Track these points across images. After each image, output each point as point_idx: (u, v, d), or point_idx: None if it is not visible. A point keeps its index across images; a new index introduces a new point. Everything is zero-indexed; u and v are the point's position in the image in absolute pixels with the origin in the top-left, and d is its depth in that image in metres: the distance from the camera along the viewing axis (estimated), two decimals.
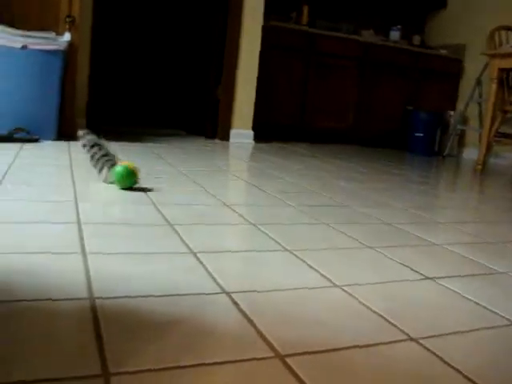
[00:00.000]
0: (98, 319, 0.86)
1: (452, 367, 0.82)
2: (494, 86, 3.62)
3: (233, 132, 4.40)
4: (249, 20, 4.23)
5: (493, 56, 3.64)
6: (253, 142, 4.44)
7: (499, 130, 3.91)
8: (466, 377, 0.80)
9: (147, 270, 1.12)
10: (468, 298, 1.14)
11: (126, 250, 1.24)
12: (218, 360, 0.77)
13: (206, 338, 0.84)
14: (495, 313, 1.08)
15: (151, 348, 0.78)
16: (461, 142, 5.21)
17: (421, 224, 1.86)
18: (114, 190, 1.91)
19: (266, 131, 4.72)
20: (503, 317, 1.06)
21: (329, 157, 3.87)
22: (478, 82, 4.72)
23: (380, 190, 2.53)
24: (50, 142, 3.08)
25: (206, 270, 1.15)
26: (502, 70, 3.59)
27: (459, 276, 1.29)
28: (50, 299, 0.92)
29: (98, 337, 0.80)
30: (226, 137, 4.40)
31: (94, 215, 1.53)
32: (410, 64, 5.17)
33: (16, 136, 2.95)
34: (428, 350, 0.88)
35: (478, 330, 0.98)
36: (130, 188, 1.94)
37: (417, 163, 4.24)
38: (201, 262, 1.20)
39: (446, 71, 5.33)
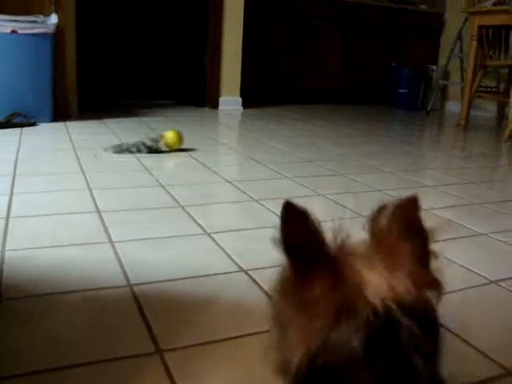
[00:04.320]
0: (140, 304, 1.00)
1: None
2: (474, 43, 3.72)
3: (221, 99, 4.48)
4: None
5: (472, 13, 3.73)
6: (241, 108, 4.53)
7: (480, 84, 4.03)
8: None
9: (171, 254, 1.26)
10: (454, 262, 1.30)
11: (148, 235, 1.38)
12: (248, 332, 0.92)
13: (234, 314, 0.99)
14: (477, 273, 1.24)
15: (191, 326, 0.93)
16: (444, 95, 5.34)
17: (410, 189, 2.02)
18: (120, 175, 2.03)
19: (254, 95, 4.80)
20: (485, 277, 1.22)
21: (316, 119, 3.99)
22: (459, 37, 4.80)
23: (368, 154, 2.67)
24: (47, 125, 3.16)
25: (223, 250, 1.30)
26: (481, 27, 3.68)
27: (446, 240, 1.45)
28: (96, 288, 1.06)
29: (144, 319, 0.95)
30: (215, 105, 4.49)
31: (110, 202, 1.66)
32: (392, 21, 5.24)
33: (14, 121, 3.04)
34: None
35: (463, 289, 1.14)
36: (133, 170, 2.07)
37: (402, 120, 4.37)
38: (217, 243, 1.34)
39: (428, 26, 5.40)
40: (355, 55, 5.20)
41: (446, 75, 5.21)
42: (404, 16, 5.27)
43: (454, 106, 5.17)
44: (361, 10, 5.09)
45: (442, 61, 5.31)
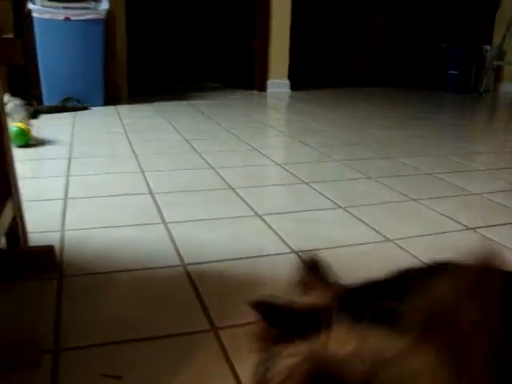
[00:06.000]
0: (195, 283, 1.04)
1: None
2: None
3: (269, 82, 4.48)
4: None
5: None
6: (289, 90, 4.52)
7: None
8: None
9: (223, 235, 1.29)
10: (505, 246, 1.28)
11: (199, 216, 1.41)
12: None
13: (287, 293, 1.00)
14: None
15: (245, 305, 0.95)
16: (497, 76, 5.16)
17: (460, 173, 1.98)
18: (171, 157, 2.07)
19: (302, 78, 4.78)
20: None
21: (365, 102, 3.93)
22: None
23: (417, 137, 2.63)
24: (99, 108, 3.24)
25: (274, 231, 1.32)
26: None
27: (497, 225, 1.43)
28: (151, 268, 1.10)
29: (199, 298, 0.98)
30: (263, 87, 4.48)
31: (162, 184, 1.70)
32: None
33: (68, 105, 3.13)
34: None
35: None
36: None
37: (452, 102, 4.26)
38: (268, 225, 1.36)
39: (482, 3, 5.21)
40: (405, 36, 5.09)
41: (501, 55, 5.03)
42: None
43: (508, 88, 4.99)
44: None
45: (496, 40, 5.12)
